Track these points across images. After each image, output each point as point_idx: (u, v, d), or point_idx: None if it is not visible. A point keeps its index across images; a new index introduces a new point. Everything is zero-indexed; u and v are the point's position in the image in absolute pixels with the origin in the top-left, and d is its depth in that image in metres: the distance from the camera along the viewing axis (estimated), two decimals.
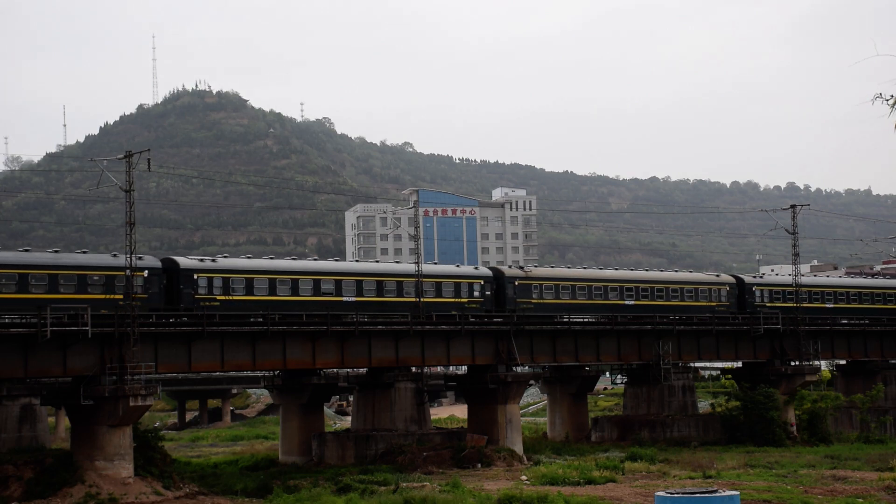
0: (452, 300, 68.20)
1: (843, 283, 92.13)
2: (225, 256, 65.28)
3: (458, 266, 72.91)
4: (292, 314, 61.16)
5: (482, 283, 69.96)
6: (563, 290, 73.51)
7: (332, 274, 64.30)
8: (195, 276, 58.15)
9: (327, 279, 63.59)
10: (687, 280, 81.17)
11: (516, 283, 71.17)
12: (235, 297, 59.42)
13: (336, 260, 71.29)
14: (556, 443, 79.56)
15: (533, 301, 71.70)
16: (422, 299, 66.29)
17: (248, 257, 66.56)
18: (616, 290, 76.08)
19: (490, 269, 73.23)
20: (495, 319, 69.01)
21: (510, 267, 75.24)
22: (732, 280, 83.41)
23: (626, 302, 76.10)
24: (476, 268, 73.67)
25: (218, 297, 58.82)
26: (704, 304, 79.84)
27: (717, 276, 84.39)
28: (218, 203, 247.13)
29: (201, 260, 60.35)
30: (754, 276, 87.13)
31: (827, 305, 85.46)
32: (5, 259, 53.95)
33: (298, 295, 62.28)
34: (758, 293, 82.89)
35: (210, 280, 58.97)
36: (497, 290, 70.85)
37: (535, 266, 75.43)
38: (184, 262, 59.23)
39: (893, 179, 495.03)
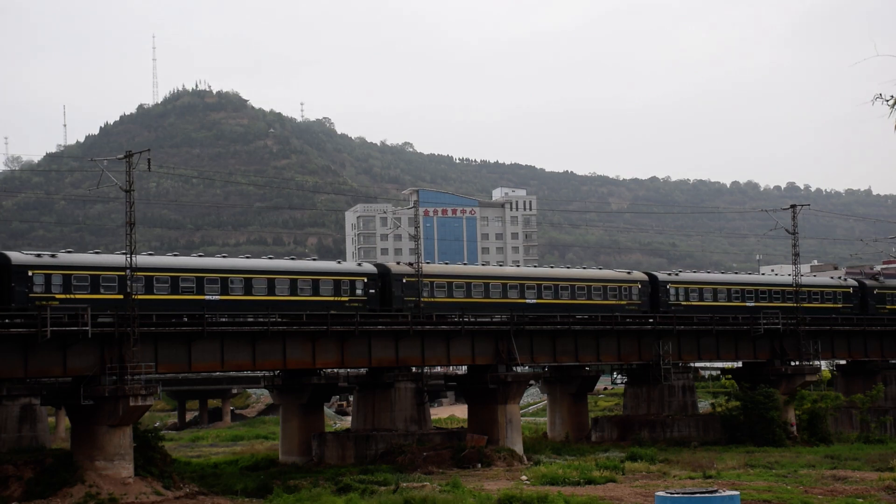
0: (331, 299, 64.05)
1: (727, 280, 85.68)
2: (69, 251, 59.40)
3: (339, 262, 68.29)
4: (146, 314, 55.86)
5: (365, 280, 65.60)
6: (456, 288, 69.59)
7: (192, 270, 59.90)
8: (29, 273, 54.05)
9: (187, 276, 59.35)
10: (595, 277, 77.55)
11: (404, 281, 67.21)
12: (78, 296, 54.93)
13: (199, 256, 66.54)
14: (556, 443, 79.57)
15: (423, 299, 67.67)
16: (301, 297, 63.04)
17: (97, 252, 61.35)
18: (516, 287, 72.22)
19: (375, 265, 68.67)
20: (381, 319, 64.82)
21: (398, 263, 70.74)
22: (645, 277, 79.65)
23: (528, 300, 72.31)
24: (359, 264, 69.17)
25: (57, 296, 54.56)
26: (614, 302, 76.21)
27: (629, 273, 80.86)
28: (218, 203, 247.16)
29: (38, 255, 55.89)
30: (669, 273, 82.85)
31: (705, 303, 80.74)
32: None
33: (153, 293, 57.85)
34: (672, 291, 79.62)
35: (48, 277, 54.82)
36: (383, 288, 66.70)
37: (427, 262, 71.25)
38: (17, 257, 54.84)
39: (893, 179, 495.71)
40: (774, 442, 74.46)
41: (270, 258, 68.04)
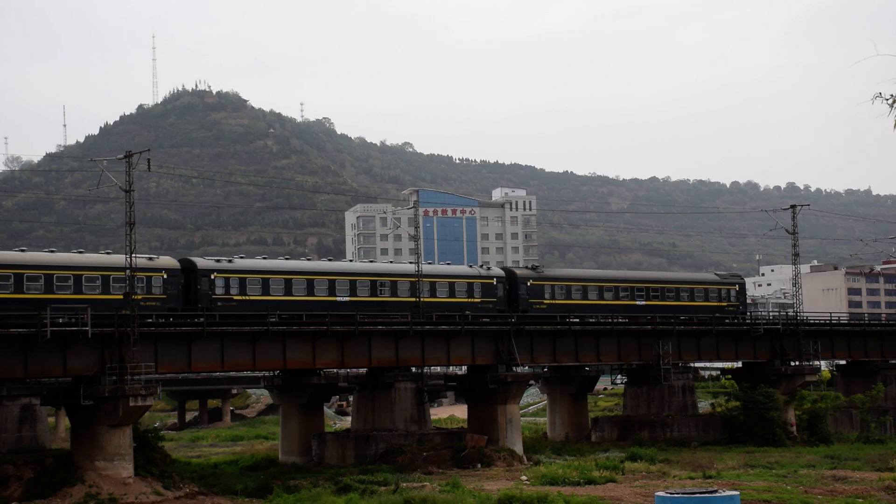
0: None
1: (293, 268, 68.51)
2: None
3: None
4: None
5: None
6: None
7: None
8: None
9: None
10: (95, 264, 59.60)
11: None
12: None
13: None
14: (556, 443, 79.51)
15: None
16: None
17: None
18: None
19: None
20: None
21: None
22: (175, 265, 62.32)
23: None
24: None
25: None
26: (118, 296, 57.79)
27: (150, 258, 62.78)
28: (218, 203, 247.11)
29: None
30: (218, 260, 65.16)
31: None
32: None
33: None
34: (219, 282, 62.98)
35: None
36: None
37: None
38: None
39: (893, 179, 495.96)
40: (774, 442, 74.42)
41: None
